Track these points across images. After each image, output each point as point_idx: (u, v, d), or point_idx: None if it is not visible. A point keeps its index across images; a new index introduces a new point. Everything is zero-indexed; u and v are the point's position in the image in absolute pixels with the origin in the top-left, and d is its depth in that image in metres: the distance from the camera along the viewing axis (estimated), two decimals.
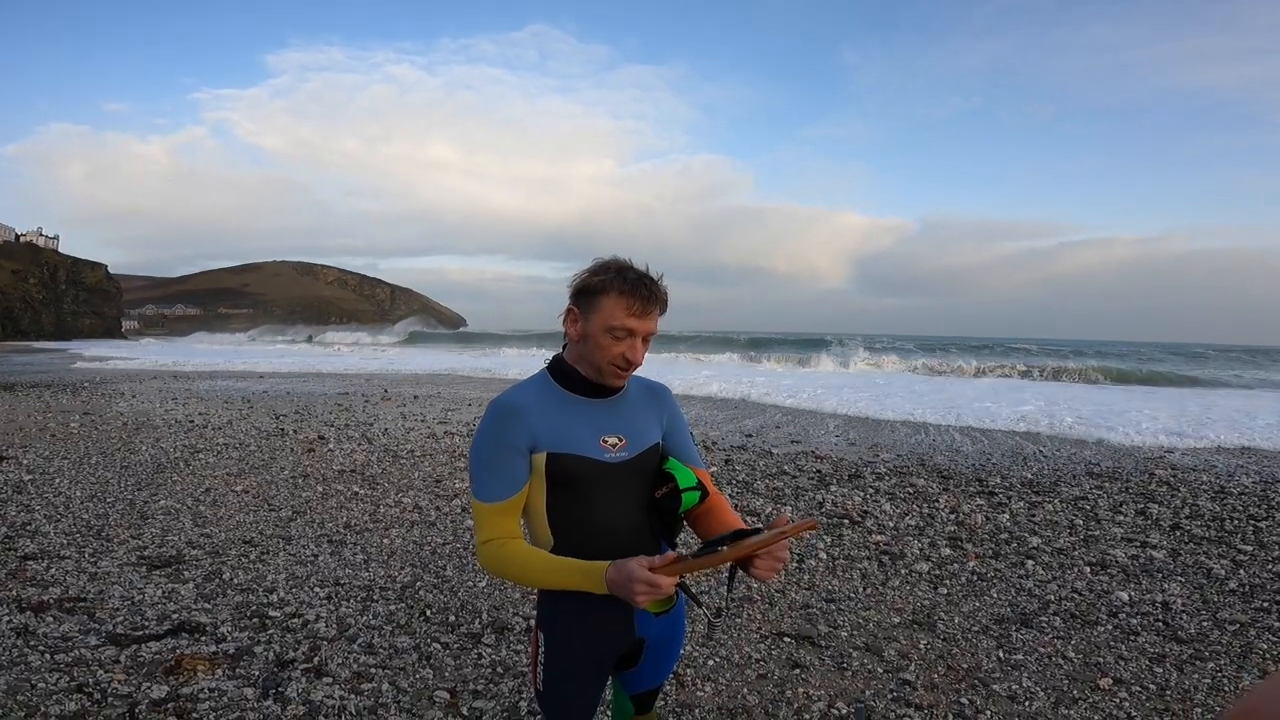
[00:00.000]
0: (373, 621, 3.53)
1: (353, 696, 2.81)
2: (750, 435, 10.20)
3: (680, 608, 1.66)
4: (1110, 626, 3.69)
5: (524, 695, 2.87)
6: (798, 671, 3.13)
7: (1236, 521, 5.73)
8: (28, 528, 4.97)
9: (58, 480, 6.47)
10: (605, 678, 1.57)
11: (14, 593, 3.75)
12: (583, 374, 1.52)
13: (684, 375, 19.65)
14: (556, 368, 1.55)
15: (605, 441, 1.49)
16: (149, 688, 2.80)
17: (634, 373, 1.54)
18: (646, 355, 1.50)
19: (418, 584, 4.06)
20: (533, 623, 1.61)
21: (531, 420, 1.46)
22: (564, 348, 1.58)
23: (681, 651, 3.24)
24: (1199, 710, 2.88)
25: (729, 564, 1.46)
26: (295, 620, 3.52)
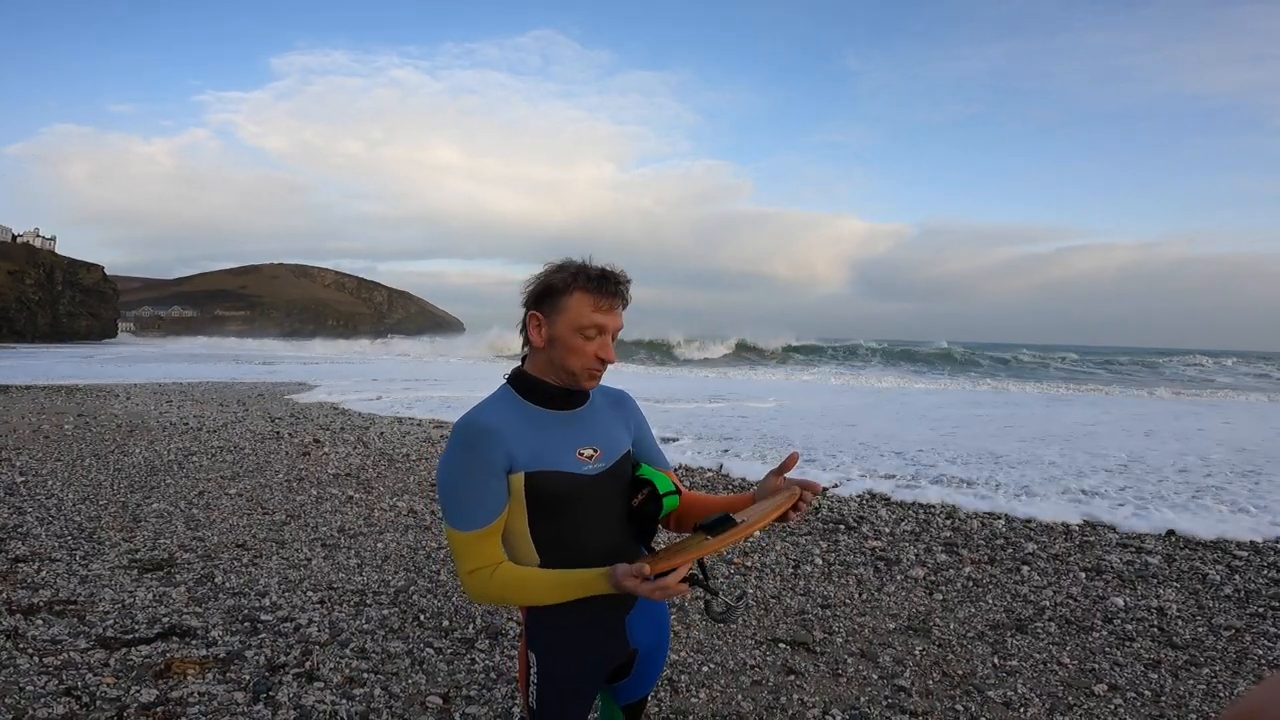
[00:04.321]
0: (365, 626, 3.51)
1: (344, 701, 2.79)
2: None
3: (666, 612, 1.65)
4: (1105, 632, 3.68)
5: (517, 701, 2.85)
6: (792, 678, 3.11)
7: None
8: (19, 530, 4.94)
9: (50, 482, 6.44)
10: (598, 691, 1.55)
11: (4, 595, 3.72)
12: (551, 383, 1.45)
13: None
14: (519, 382, 1.47)
15: (581, 454, 1.44)
16: (138, 691, 2.77)
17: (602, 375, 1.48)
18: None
19: (411, 589, 4.04)
20: (521, 637, 1.55)
21: (506, 440, 1.38)
22: (523, 360, 1.50)
23: (672, 657, 3.23)
24: (1194, 716, 2.87)
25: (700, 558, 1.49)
26: (287, 624, 3.49)
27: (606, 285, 1.40)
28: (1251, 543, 5.30)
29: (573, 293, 1.39)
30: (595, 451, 1.46)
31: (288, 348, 59.92)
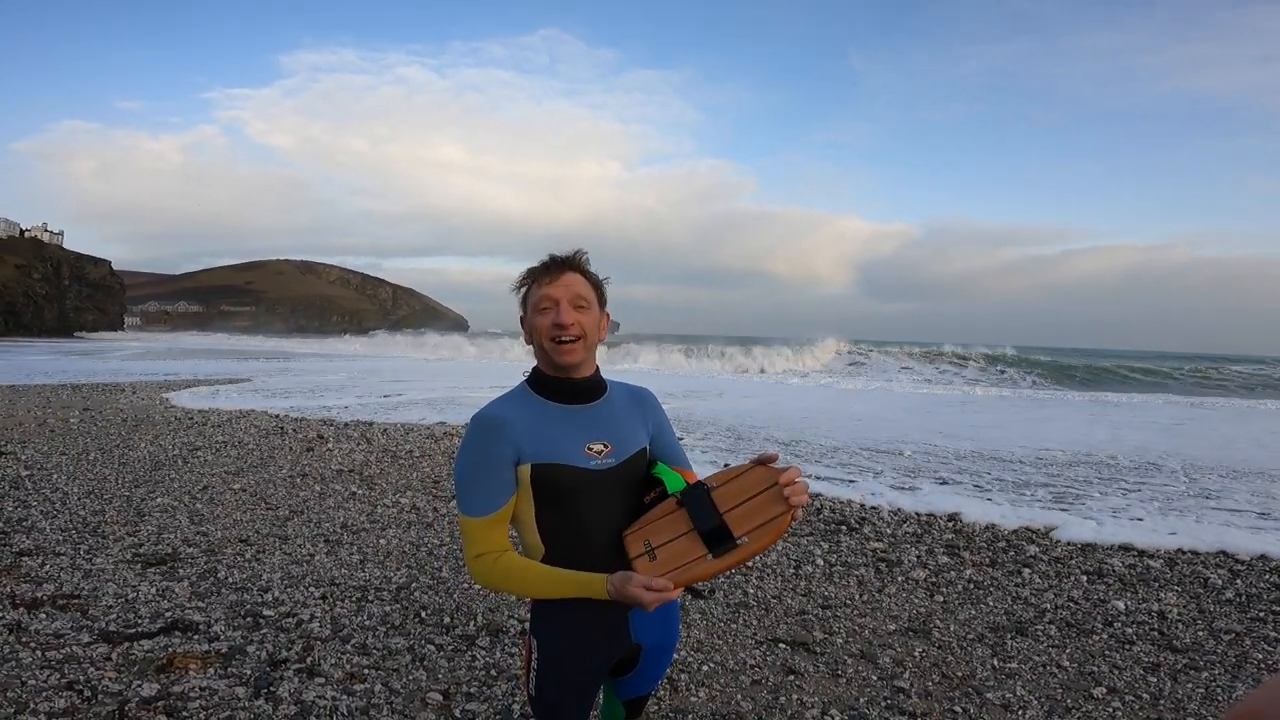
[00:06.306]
0: (367, 622, 3.53)
1: (345, 697, 2.80)
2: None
3: (675, 612, 1.65)
4: (1105, 635, 3.68)
5: (517, 698, 2.86)
6: (792, 678, 3.11)
7: None
8: (23, 523, 4.97)
9: (55, 476, 6.48)
10: (600, 684, 1.56)
11: (8, 589, 3.75)
12: (558, 377, 1.51)
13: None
14: (534, 378, 1.55)
15: (590, 449, 1.48)
16: (140, 686, 2.79)
17: (579, 340, 1.47)
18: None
19: (413, 585, 4.06)
20: (527, 626, 1.58)
21: (514, 432, 1.45)
22: None
23: (675, 656, 3.24)
24: None
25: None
26: (289, 620, 3.51)
27: (548, 264, 1.51)
28: (1262, 556, 5.28)
29: (529, 285, 1.53)
30: (605, 447, 1.49)
31: (290, 345, 59.67)
